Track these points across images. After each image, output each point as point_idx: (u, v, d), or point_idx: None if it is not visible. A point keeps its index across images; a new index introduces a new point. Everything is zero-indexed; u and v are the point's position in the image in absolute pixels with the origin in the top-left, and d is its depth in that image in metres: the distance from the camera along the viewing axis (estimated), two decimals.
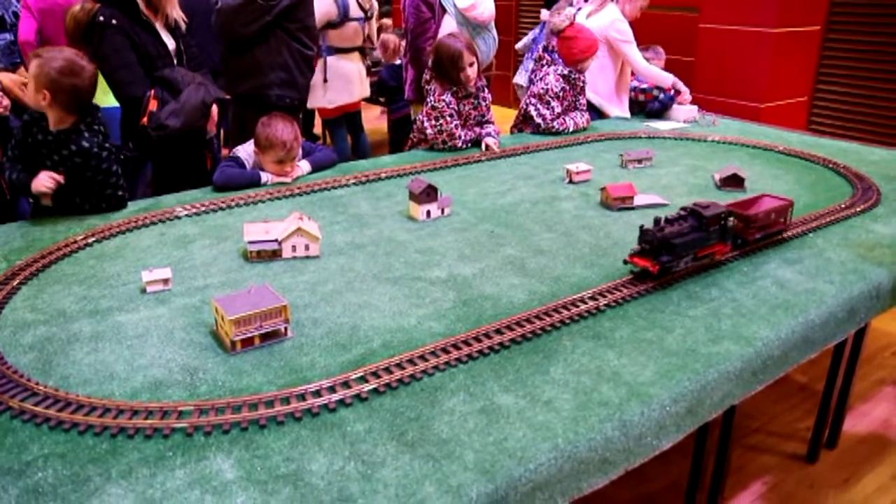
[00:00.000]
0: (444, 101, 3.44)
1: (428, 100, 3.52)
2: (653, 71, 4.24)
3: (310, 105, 4.97)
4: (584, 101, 4.05)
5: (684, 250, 2.08)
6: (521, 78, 5.06)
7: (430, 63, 3.56)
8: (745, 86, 5.33)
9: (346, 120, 5.10)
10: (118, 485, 1.27)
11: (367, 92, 5.11)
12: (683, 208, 2.15)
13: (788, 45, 5.25)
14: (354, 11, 4.65)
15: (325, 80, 4.69)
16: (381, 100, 6.46)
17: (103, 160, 2.53)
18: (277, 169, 2.96)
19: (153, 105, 2.91)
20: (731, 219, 2.20)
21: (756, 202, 2.43)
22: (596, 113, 4.32)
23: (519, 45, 5.33)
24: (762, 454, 2.75)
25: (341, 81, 4.77)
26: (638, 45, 4.27)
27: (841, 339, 2.14)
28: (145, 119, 2.90)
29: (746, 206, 2.38)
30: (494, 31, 4.68)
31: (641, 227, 2.07)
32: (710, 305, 1.97)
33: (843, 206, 2.74)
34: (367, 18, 4.84)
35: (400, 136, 5.55)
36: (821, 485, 2.59)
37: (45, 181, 2.46)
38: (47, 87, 2.42)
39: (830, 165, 3.30)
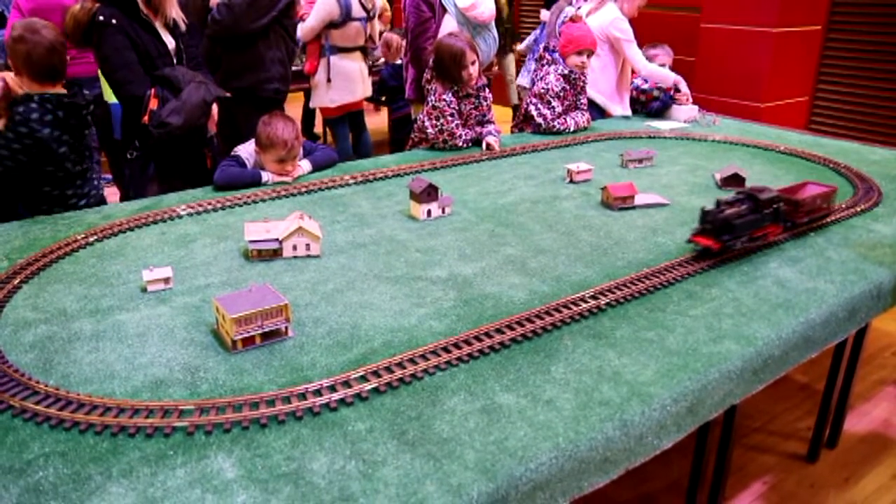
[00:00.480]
0: (444, 100, 3.44)
1: (429, 99, 3.52)
2: (654, 69, 4.23)
3: (312, 104, 4.99)
4: (584, 101, 4.04)
5: (742, 230, 2.25)
6: (523, 79, 5.07)
7: (430, 63, 3.56)
8: (746, 85, 5.33)
9: (348, 119, 5.11)
10: (119, 483, 1.27)
11: (369, 91, 5.12)
12: (740, 192, 2.32)
13: (789, 44, 5.25)
14: (357, 11, 4.66)
15: (329, 80, 4.70)
16: (382, 98, 6.47)
17: (12, 141, 2.46)
18: (278, 168, 2.96)
19: (154, 104, 2.92)
20: (781, 203, 2.34)
21: (802, 188, 2.57)
22: (598, 111, 4.31)
23: (521, 47, 5.35)
24: (763, 454, 2.75)
25: (344, 81, 4.78)
26: (644, 43, 4.27)
27: (841, 338, 2.14)
28: (146, 118, 2.90)
29: (794, 191, 2.53)
30: (495, 31, 4.68)
31: (703, 208, 2.24)
32: (710, 305, 1.97)
33: (844, 205, 2.74)
34: (370, 18, 4.85)
35: (400, 136, 5.56)
36: (821, 484, 2.59)
37: None
38: (10, 57, 2.50)
39: (831, 165, 3.30)
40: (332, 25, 4.60)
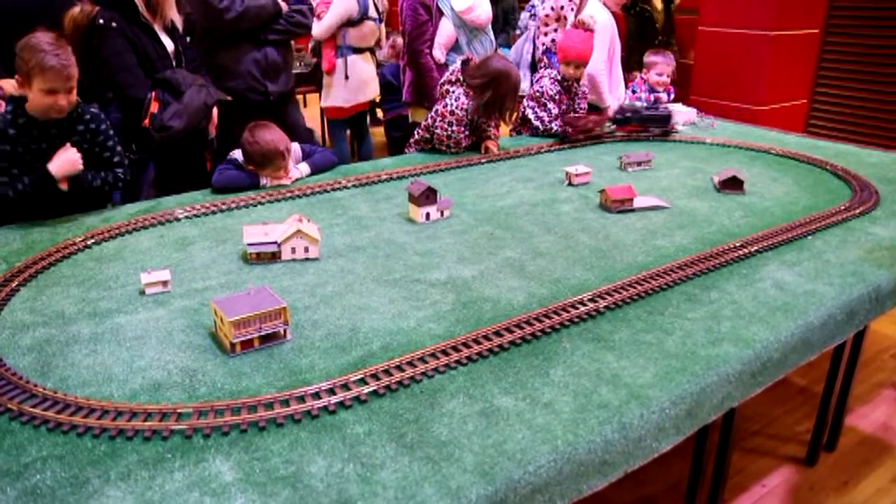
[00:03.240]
0: (464, 109, 3.43)
1: (447, 102, 3.48)
2: (600, 89, 4.31)
3: (325, 104, 4.99)
4: (584, 106, 4.04)
5: None
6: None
7: (456, 68, 3.53)
8: (744, 88, 5.34)
9: (353, 121, 5.12)
10: (117, 487, 1.26)
11: (377, 91, 5.14)
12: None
13: (787, 47, 5.26)
14: (372, 11, 4.69)
15: (347, 77, 4.71)
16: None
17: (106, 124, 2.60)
18: (277, 174, 2.96)
19: (154, 107, 2.92)
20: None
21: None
22: (594, 107, 4.32)
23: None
24: (762, 457, 2.75)
25: (359, 81, 4.80)
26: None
27: (840, 341, 2.14)
28: (146, 121, 2.90)
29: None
30: (491, 34, 4.69)
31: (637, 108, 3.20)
32: (709, 308, 1.97)
33: (841, 208, 2.75)
34: (381, 19, 4.88)
35: (396, 136, 5.56)
36: (820, 487, 2.59)
37: (73, 158, 2.46)
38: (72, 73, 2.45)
39: (829, 168, 3.30)
40: (348, 24, 4.61)
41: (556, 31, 4.64)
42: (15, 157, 2.43)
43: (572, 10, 4.55)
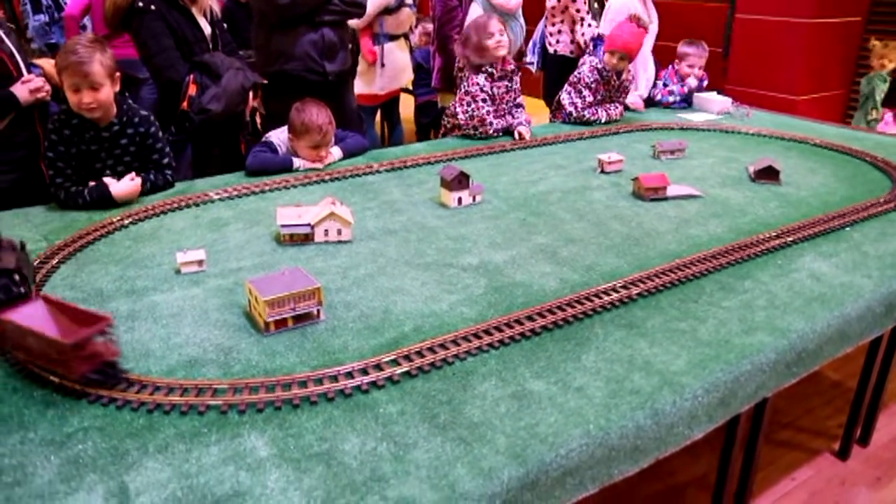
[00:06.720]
0: (477, 85, 3.44)
1: (462, 86, 3.52)
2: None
3: (360, 91, 5.00)
4: (622, 99, 4.00)
5: None
6: None
7: (461, 50, 3.55)
8: (781, 78, 5.25)
9: (384, 108, 5.13)
10: (155, 459, 1.29)
11: (411, 76, 5.15)
12: None
13: (826, 36, 5.15)
14: None
15: (383, 65, 4.72)
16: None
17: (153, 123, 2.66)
18: (312, 154, 2.98)
19: (192, 90, 2.95)
20: None
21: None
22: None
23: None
24: (792, 450, 2.72)
25: (394, 68, 4.81)
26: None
27: (877, 334, 2.11)
28: (185, 104, 2.94)
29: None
30: (522, 19, 4.65)
31: None
32: (743, 297, 1.95)
33: (881, 200, 2.69)
34: (415, 6, 4.89)
35: (426, 121, 5.56)
36: (852, 482, 2.56)
37: (136, 189, 2.57)
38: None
39: (868, 159, 3.24)
40: (386, 11, 4.61)
41: (562, 22, 4.61)
42: (69, 158, 2.51)
43: (576, 9, 4.50)
